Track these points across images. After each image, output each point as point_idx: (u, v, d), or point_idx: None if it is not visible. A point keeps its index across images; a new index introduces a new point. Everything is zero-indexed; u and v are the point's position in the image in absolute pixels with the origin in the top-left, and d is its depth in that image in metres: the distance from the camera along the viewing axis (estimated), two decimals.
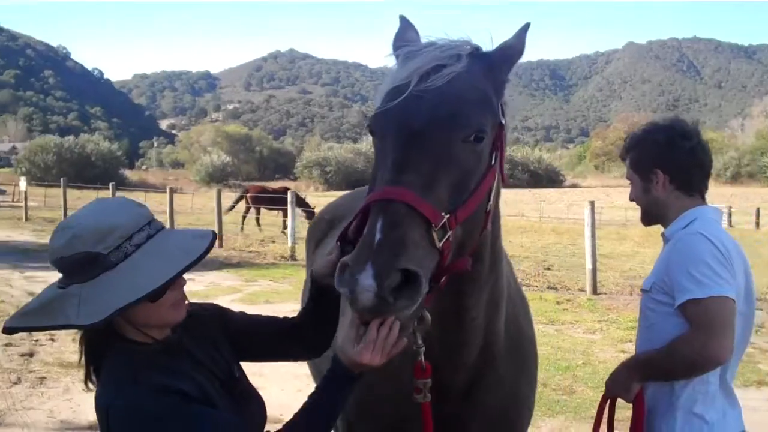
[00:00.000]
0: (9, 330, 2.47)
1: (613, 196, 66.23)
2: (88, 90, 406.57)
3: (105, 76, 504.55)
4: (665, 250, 3.60)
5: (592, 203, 16.78)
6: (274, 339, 3.02)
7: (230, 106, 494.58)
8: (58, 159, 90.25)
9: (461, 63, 2.59)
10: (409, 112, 2.50)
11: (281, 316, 3.19)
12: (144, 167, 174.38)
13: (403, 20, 2.98)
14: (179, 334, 2.67)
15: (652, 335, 3.52)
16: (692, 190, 3.68)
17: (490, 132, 2.65)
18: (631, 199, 3.86)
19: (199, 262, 2.54)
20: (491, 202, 2.76)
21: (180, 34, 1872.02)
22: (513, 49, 2.81)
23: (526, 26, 2.89)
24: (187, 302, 2.67)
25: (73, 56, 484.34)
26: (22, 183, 39.31)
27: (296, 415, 2.62)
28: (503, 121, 2.76)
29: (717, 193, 77.27)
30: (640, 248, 24.39)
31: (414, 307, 2.30)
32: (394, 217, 2.30)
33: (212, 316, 2.94)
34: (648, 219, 3.84)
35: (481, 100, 2.61)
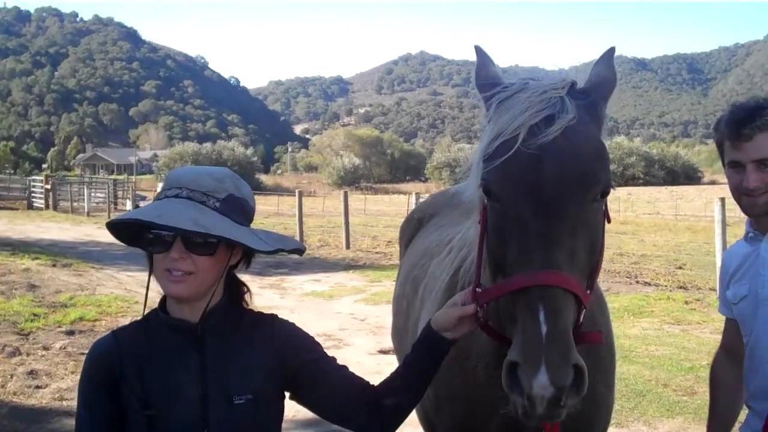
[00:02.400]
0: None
1: None
2: (225, 98, 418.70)
3: (241, 84, 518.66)
4: None
5: (722, 199, 16.19)
6: (348, 404, 2.75)
7: (362, 110, 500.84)
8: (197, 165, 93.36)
9: (569, 112, 2.46)
10: (535, 175, 2.38)
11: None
12: (279, 171, 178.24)
13: (480, 52, 2.84)
14: (202, 327, 2.59)
15: None
16: None
17: None
18: (757, 186, 3.16)
19: (167, 229, 2.42)
20: None
21: (312, 40, 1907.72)
22: (609, 82, 2.72)
23: (612, 51, 2.80)
24: (182, 286, 2.50)
25: (210, 65, 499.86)
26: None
27: (393, 375, 2.69)
28: None
29: None
30: None
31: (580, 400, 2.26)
32: (555, 305, 2.24)
33: (284, 339, 2.74)
34: None
35: (599, 151, 2.51)
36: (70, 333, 11.79)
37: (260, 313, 2.80)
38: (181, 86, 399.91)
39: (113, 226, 2.62)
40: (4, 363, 9.99)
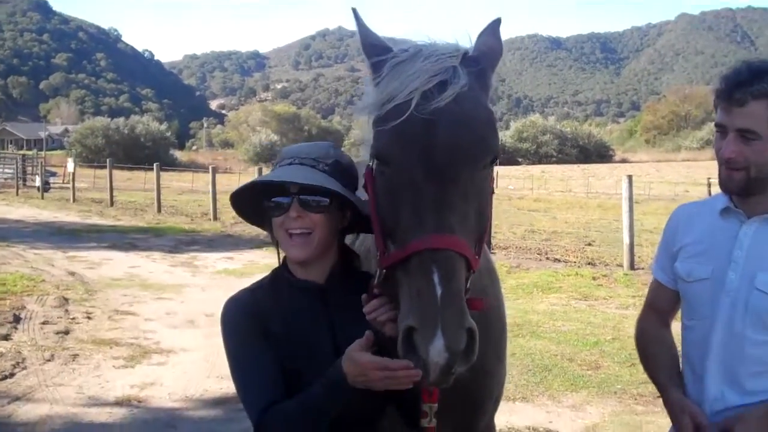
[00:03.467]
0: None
1: (664, 171, 65.38)
2: (139, 71, 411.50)
3: (155, 58, 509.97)
4: None
5: (629, 177, 16.63)
6: None
7: (279, 86, 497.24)
8: (108, 141, 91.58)
9: (461, 79, 2.46)
10: (426, 140, 2.37)
11: None
12: (194, 148, 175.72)
13: (358, 15, 2.79)
14: (329, 287, 2.78)
15: None
16: None
17: None
18: (731, 157, 2.88)
19: (288, 184, 2.67)
20: None
21: (229, 14, 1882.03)
22: (496, 52, 2.72)
23: (498, 22, 2.81)
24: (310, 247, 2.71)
25: (124, 38, 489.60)
26: (70, 165, 39.84)
27: (285, 406, 2.63)
28: None
29: None
30: None
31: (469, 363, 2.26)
32: (448, 268, 2.24)
33: None
34: (751, 188, 2.92)
35: (489, 118, 2.53)
36: None
37: (368, 273, 2.89)
38: (94, 59, 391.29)
39: (237, 197, 2.87)
40: None
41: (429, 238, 2.27)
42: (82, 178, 45.97)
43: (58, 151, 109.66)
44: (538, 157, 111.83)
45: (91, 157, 77.62)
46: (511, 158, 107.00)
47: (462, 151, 2.38)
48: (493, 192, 2.65)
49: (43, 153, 74.80)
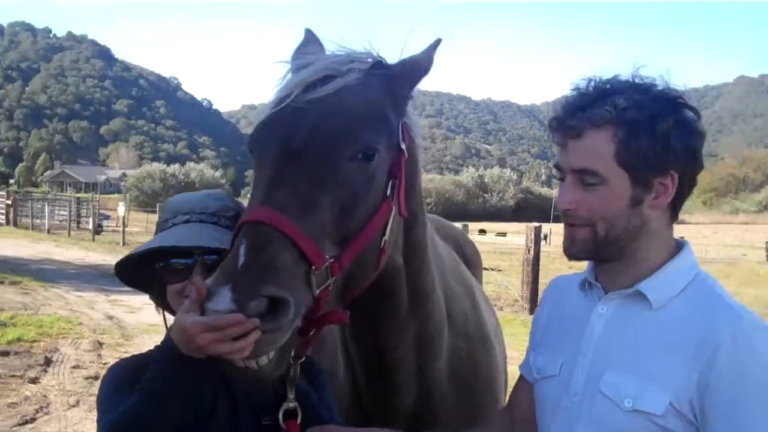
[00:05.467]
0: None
1: (721, 233, 64.33)
2: (198, 119, 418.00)
3: (214, 107, 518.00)
4: (668, 334, 2.07)
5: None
6: None
7: None
8: (164, 186, 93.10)
9: (353, 74, 2.34)
10: (289, 126, 2.24)
11: None
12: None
13: (308, 33, 2.71)
14: None
15: None
16: (678, 211, 2.25)
17: (385, 153, 2.35)
18: (569, 208, 2.18)
19: (173, 248, 2.39)
20: (386, 238, 2.36)
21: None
22: (417, 65, 2.52)
23: (437, 42, 2.58)
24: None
25: (183, 87, 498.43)
26: (121, 208, 40.12)
27: (126, 405, 2.21)
28: (403, 145, 2.43)
29: None
30: (742, 287, 23.15)
31: (276, 337, 1.93)
32: (258, 239, 1.99)
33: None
34: (601, 252, 2.19)
35: (374, 116, 2.33)
36: (5, 354, 11.32)
37: None
38: (153, 106, 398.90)
39: (123, 266, 2.57)
40: None
41: (251, 211, 2.11)
42: (134, 222, 46.42)
43: (115, 195, 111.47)
44: None
45: (147, 201, 78.88)
46: None
47: (320, 137, 2.20)
48: (401, 214, 2.44)
49: (98, 196, 75.91)
